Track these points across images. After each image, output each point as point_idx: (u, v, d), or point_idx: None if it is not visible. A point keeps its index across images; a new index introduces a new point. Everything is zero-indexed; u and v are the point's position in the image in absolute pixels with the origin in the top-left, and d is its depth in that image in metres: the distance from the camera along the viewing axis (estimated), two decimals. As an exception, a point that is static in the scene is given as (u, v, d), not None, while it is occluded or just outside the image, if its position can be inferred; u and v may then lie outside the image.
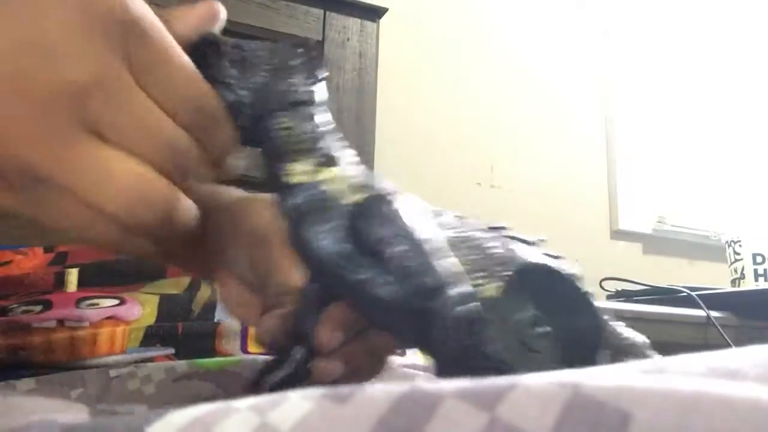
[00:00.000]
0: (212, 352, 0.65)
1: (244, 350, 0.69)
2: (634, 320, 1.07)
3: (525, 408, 0.17)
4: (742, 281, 1.47)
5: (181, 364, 0.46)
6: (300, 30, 1.40)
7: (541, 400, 0.17)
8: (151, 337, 0.73)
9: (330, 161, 0.32)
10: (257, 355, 0.62)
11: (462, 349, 0.28)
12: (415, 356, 0.83)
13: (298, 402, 0.18)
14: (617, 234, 1.83)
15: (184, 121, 0.28)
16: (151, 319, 0.76)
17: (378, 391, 0.17)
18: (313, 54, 0.32)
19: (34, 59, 0.25)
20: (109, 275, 0.60)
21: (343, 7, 1.44)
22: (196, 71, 0.29)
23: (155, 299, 0.81)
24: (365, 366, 0.36)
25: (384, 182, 0.33)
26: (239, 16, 1.34)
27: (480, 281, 0.30)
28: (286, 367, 0.33)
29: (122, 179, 0.26)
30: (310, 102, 0.31)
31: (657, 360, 0.32)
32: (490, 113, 1.72)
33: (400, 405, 0.17)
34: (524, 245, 0.33)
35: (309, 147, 0.31)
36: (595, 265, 1.65)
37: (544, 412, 0.17)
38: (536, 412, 0.17)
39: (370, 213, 0.31)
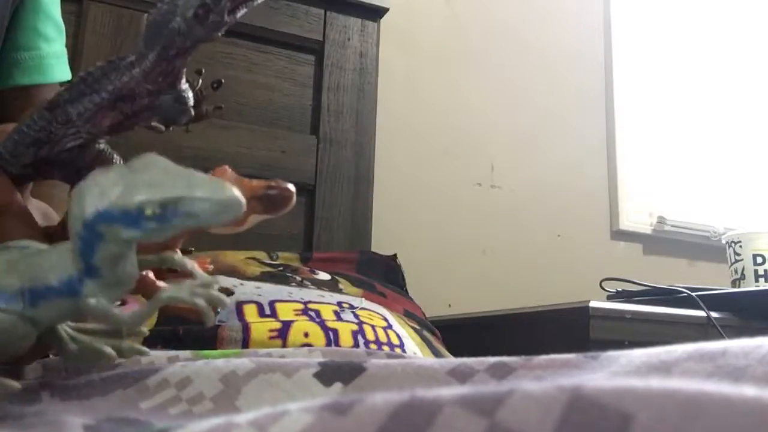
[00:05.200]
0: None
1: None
2: (635, 320, 1.07)
3: (525, 412, 0.17)
4: (742, 282, 1.47)
5: (186, 354, 0.47)
6: (301, 30, 1.40)
7: (540, 404, 0.17)
8: (153, 339, 0.73)
9: None
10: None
11: None
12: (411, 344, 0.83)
13: (298, 416, 0.18)
14: (617, 234, 1.83)
15: None
16: (152, 319, 0.77)
17: (378, 401, 0.18)
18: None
19: None
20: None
21: (343, 6, 1.44)
22: None
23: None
24: None
25: None
26: (240, 16, 1.34)
27: None
28: None
29: None
30: None
31: (663, 355, 0.32)
32: (490, 113, 1.72)
33: (400, 414, 0.17)
34: None
35: None
36: (596, 265, 1.65)
37: (545, 415, 0.17)
38: (536, 417, 0.17)
39: None
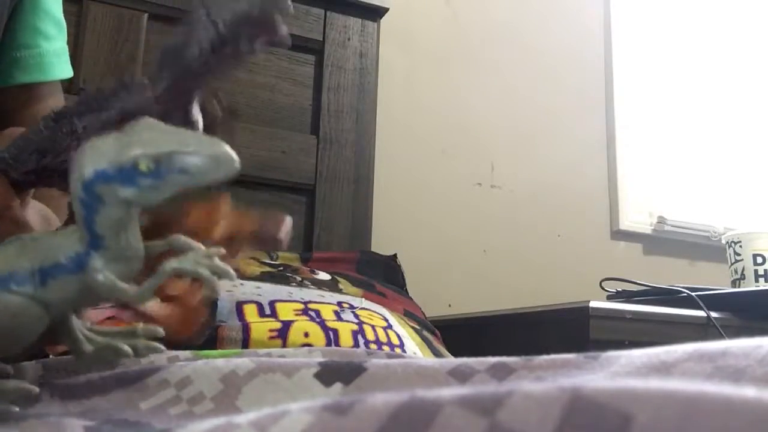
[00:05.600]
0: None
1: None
2: (635, 320, 1.07)
3: (525, 412, 0.17)
4: (742, 282, 1.47)
5: (186, 354, 0.47)
6: (301, 30, 1.40)
7: (541, 405, 0.17)
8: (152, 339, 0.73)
9: None
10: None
11: None
12: (409, 342, 0.84)
13: (298, 416, 0.18)
14: (617, 234, 1.83)
15: None
16: (151, 320, 0.77)
17: (378, 402, 0.18)
18: None
19: None
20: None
21: (343, 6, 1.44)
22: None
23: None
24: None
25: None
26: (240, 16, 1.34)
27: None
28: None
29: None
30: None
31: (663, 355, 0.32)
32: (490, 113, 1.72)
33: (400, 414, 0.17)
34: None
35: None
36: (596, 265, 1.65)
37: (545, 416, 0.17)
38: (537, 417, 0.17)
39: None
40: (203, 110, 0.44)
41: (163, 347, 0.43)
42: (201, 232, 0.39)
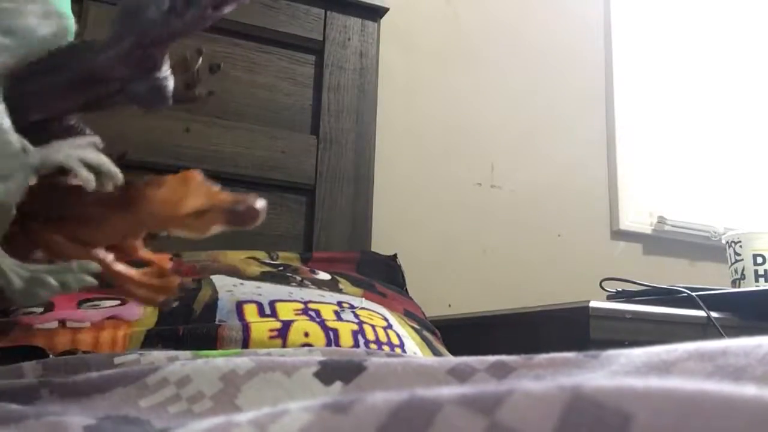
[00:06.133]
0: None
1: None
2: (635, 320, 1.07)
3: (525, 412, 0.17)
4: (742, 282, 1.47)
5: (185, 354, 0.47)
6: (301, 30, 1.40)
7: (540, 403, 0.17)
8: (153, 338, 0.73)
9: None
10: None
11: None
12: (410, 343, 0.83)
13: (298, 414, 0.18)
14: (617, 234, 1.83)
15: None
16: (152, 320, 0.77)
17: (378, 400, 0.18)
18: None
19: None
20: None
21: (344, 6, 1.44)
22: None
23: (156, 299, 0.81)
24: None
25: None
26: (240, 16, 1.34)
27: None
28: None
29: None
30: None
31: (663, 354, 0.32)
32: (490, 113, 1.72)
33: (400, 413, 0.17)
34: None
35: None
36: (595, 265, 1.65)
37: (545, 415, 0.17)
38: (536, 416, 0.17)
39: None
40: (182, 66, 0.42)
41: (95, 281, 0.41)
42: (171, 205, 0.38)
